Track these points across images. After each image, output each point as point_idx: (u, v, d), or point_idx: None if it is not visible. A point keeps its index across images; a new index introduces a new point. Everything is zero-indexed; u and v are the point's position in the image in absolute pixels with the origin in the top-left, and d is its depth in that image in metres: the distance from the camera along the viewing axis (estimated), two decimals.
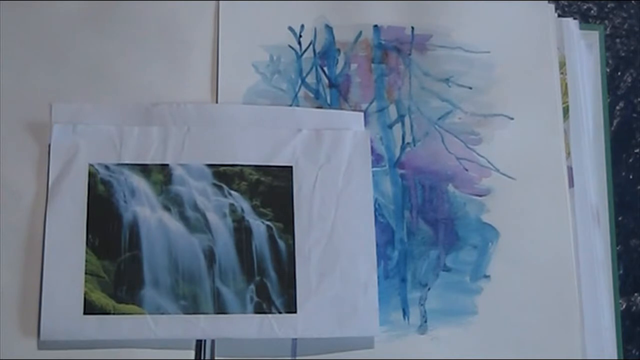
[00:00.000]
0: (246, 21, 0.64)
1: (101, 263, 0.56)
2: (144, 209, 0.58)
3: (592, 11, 0.69)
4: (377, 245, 0.59)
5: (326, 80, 0.63)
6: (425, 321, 0.59)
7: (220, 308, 0.56)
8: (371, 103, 0.63)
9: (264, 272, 0.57)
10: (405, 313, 0.59)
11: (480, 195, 0.62)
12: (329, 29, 0.64)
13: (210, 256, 0.57)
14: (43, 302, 0.55)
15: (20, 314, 0.56)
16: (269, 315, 0.57)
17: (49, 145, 0.59)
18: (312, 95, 0.63)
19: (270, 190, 0.59)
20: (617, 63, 0.68)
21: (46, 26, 0.62)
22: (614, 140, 0.66)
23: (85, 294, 0.56)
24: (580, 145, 0.64)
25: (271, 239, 0.58)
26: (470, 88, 0.64)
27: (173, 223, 0.58)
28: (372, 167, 0.61)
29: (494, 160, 0.63)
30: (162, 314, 0.56)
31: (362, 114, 0.62)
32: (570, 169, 0.63)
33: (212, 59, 0.63)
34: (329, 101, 0.63)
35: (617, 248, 0.64)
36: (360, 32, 0.65)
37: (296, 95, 0.63)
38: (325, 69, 0.64)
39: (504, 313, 0.60)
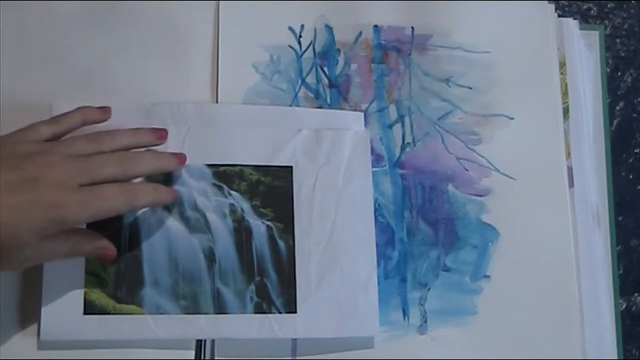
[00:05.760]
0: (246, 21, 0.64)
1: (101, 263, 0.56)
2: (144, 209, 0.57)
3: (592, 11, 0.69)
4: (377, 245, 0.59)
5: (326, 80, 0.63)
6: (425, 321, 0.59)
7: (221, 308, 0.56)
8: (371, 103, 0.63)
9: (264, 272, 0.57)
10: (405, 313, 0.59)
11: (480, 195, 0.62)
12: (329, 29, 0.64)
13: (210, 256, 0.57)
14: (43, 302, 0.55)
15: (20, 314, 0.56)
16: (269, 315, 0.57)
17: None
18: (312, 95, 0.63)
19: (270, 190, 0.59)
20: (617, 63, 0.68)
21: (46, 26, 0.62)
22: (614, 140, 0.66)
23: (85, 294, 0.56)
24: (580, 145, 0.64)
25: (271, 239, 0.58)
26: (470, 88, 0.64)
27: (173, 223, 0.58)
28: (372, 167, 0.61)
29: (494, 160, 0.63)
30: (162, 314, 0.56)
31: (362, 114, 0.62)
32: (570, 169, 0.63)
33: (212, 59, 0.63)
34: (329, 101, 0.63)
35: (617, 248, 0.64)
36: (360, 32, 0.65)
37: (296, 95, 0.63)
38: (325, 69, 0.64)
39: (504, 313, 0.60)
